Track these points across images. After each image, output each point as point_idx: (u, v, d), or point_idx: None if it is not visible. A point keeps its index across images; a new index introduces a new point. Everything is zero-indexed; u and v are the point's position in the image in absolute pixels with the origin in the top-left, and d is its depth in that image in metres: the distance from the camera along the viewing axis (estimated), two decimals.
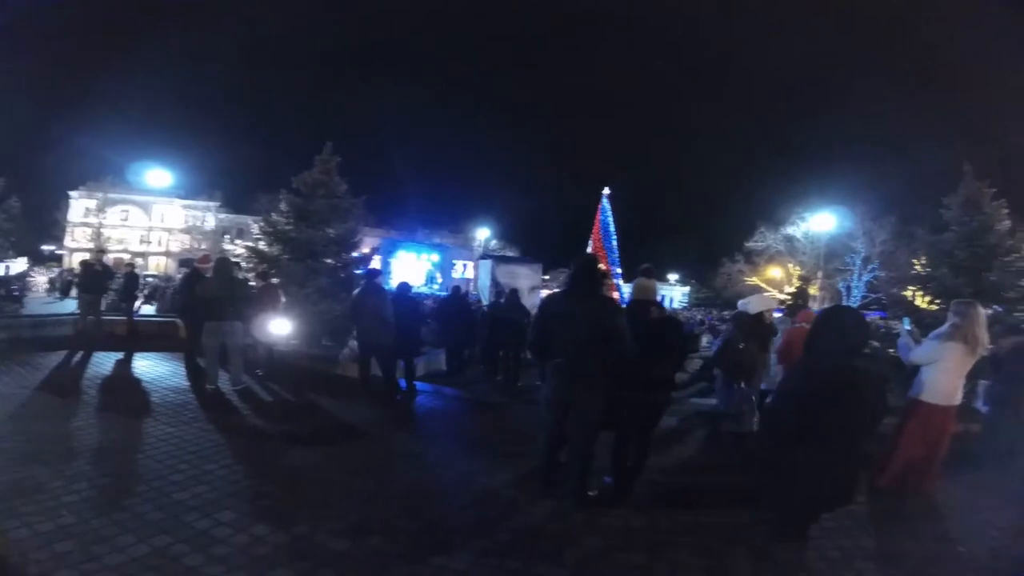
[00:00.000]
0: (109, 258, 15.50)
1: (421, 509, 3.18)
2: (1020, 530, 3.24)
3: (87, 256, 10.34)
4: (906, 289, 7.41)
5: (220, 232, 41.77)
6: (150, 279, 21.39)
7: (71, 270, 20.62)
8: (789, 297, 21.40)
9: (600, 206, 17.92)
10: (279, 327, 6.44)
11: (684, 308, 44.62)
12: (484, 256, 30.49)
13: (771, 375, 5.11)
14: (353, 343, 6.22)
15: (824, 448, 2.74)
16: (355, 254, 8.58)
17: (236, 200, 41.29)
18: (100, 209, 38.73)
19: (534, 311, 3.99)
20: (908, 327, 4.39)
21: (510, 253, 41.19)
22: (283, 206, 8.29)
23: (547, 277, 32.33)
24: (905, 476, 3.62)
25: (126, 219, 43.25)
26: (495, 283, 20.29)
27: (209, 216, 43.41)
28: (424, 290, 23.46)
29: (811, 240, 30.51)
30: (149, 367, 6.15)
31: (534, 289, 21.27)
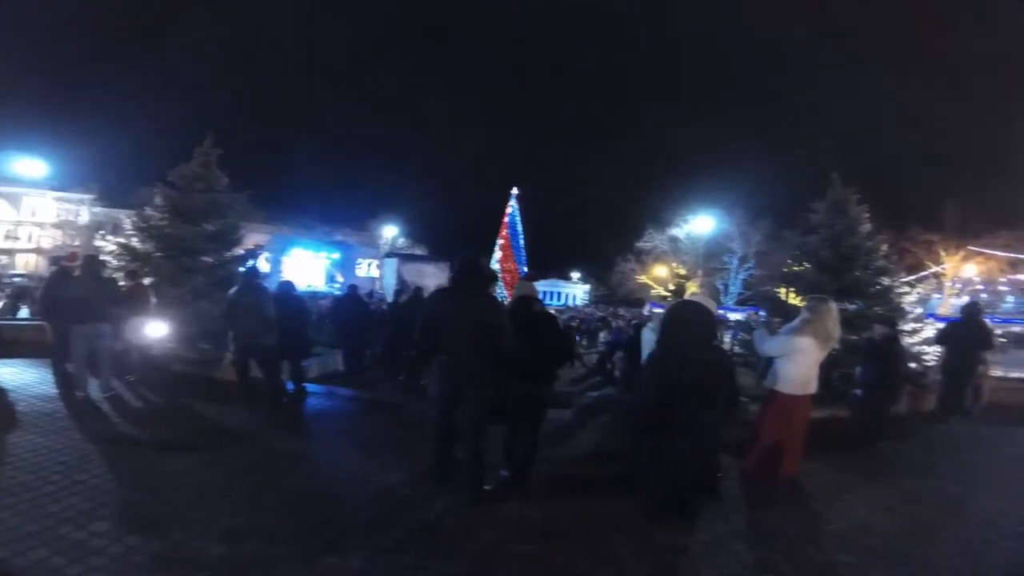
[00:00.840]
0: None
1: (309, 510, 3.08)
2: (887, 506, 3.59)
3: None
4: (779, 286, 7.75)
5: (95, 227, 36.64)
6: (16, 279, 18.37)
7: None
8: (670, 294, 23.59)
9: (509, 205, 18.38)
10: (153, 329, 6.00)
11: (586, 305, 47.01)
12: (390, 254, 29.79)
13: None
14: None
15: (684, 435, 2.95)
16: (238, 251, 7.98)
17: (114, 193, 36.86)
18: None
19: None
20: (764, 319, 4.82)
21: (418, 251, 40.56)
22: (158, 200, 7.57)
23: None
24: (769, 460, 3.78)
25: None
26: (401, 281, 19.97)
27: (83, 210, 38.11)
28: (324, 289, 22.51)
29: (693, 240, 33.06)
30: (13, 374, 5.62)
31: None
